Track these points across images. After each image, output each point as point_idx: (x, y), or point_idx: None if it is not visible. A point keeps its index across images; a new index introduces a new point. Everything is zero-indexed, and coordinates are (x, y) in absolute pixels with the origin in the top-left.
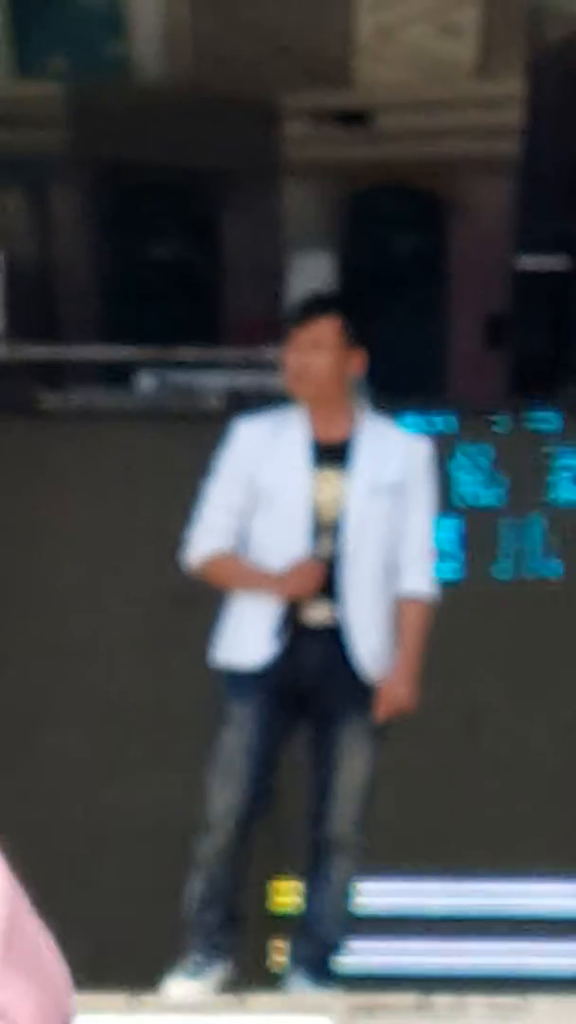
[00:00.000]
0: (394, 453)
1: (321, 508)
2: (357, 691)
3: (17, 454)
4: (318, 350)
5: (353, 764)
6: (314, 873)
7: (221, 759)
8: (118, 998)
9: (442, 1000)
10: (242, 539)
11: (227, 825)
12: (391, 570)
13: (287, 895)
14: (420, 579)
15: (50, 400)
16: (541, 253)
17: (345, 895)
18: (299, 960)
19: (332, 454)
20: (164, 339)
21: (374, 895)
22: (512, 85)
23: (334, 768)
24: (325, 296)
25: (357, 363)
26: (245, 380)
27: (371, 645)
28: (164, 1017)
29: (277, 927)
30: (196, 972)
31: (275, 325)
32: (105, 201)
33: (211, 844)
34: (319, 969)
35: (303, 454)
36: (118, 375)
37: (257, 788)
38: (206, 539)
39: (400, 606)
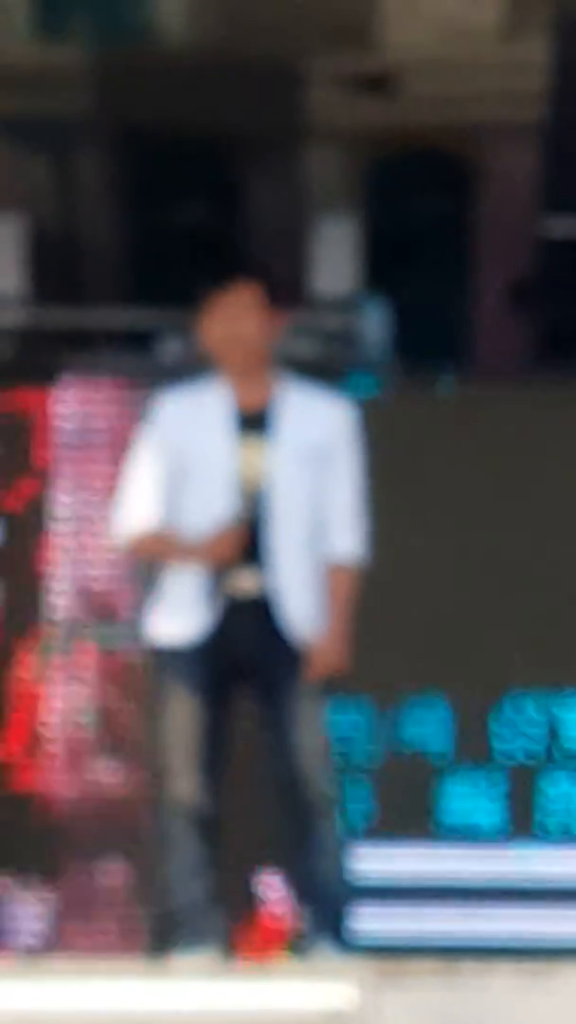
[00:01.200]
0: (316, 418)
1: (246, 476)
2: (291, 657)
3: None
4: (242, 316)
5: (303, 729)
6: (299, 838)
7: (171, 739)
8: (138, 963)
9: (467, 966)
10: (172, 512)
11: (193, 801)
12: (318, 535)
13: None
14: (347, 542)
15: (74, 364)
16: (567, 217)
17: (336, 855)
18: (313, 929)
19: (254, 421)
20: (188, 303)
21: (400, 861)
22: (537, 49)
23: (284, 736)
24: (241, 261)
25: (278, 328)
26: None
27: (301, 610)
28: (184, 983)
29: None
30: (192, 949)
31: (299, 290)
32: (129, 166)
33: (179, 823)
34: (335, 933)
35: (226, 423)
36: (143, 339)
37: (212, 763)
38: (134, 515)
39: (328, 570)
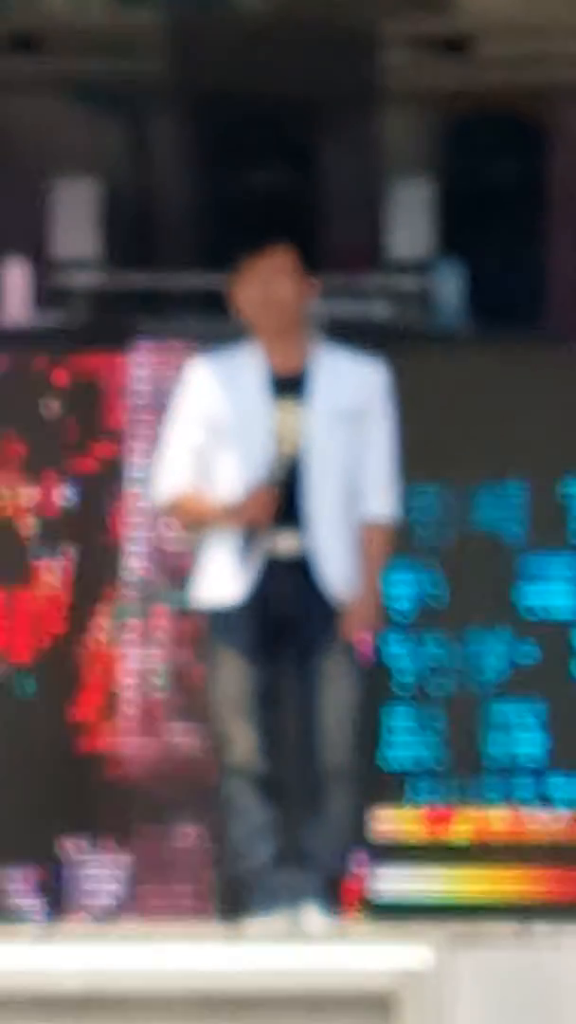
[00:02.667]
0: (350, 380)
1: (281, 438)
2: (329, 617)
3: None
4: (280, 279)
5: (336, 691)
6: (312, 804)
7: (223, 700)
8: (216, 926)
9: (541, 928)
10: (207, 476)
11: (253, 763)
12: (353, 496)
13: (387, 823)
14: (382, 503)
15: (149, 327)
16: None
17: (345, 825)
18: (307, 891)
19: (289, 385)
20: (255, 227)
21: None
22: None
23: (318, 697)
24: (283, 227)
25: (312, 292)
26: (343, 307)
27: (339, 571)
28: (262, 947)
29: (376, 856)
30: (263, 914)
31: (375, 253)
32: (203, 130)
33: (242, 786)
34: (327, 900)
35: (261, 386)
36: (218, 302)
37: (263, 722)
38: (170, 479)
39: (364, 531)
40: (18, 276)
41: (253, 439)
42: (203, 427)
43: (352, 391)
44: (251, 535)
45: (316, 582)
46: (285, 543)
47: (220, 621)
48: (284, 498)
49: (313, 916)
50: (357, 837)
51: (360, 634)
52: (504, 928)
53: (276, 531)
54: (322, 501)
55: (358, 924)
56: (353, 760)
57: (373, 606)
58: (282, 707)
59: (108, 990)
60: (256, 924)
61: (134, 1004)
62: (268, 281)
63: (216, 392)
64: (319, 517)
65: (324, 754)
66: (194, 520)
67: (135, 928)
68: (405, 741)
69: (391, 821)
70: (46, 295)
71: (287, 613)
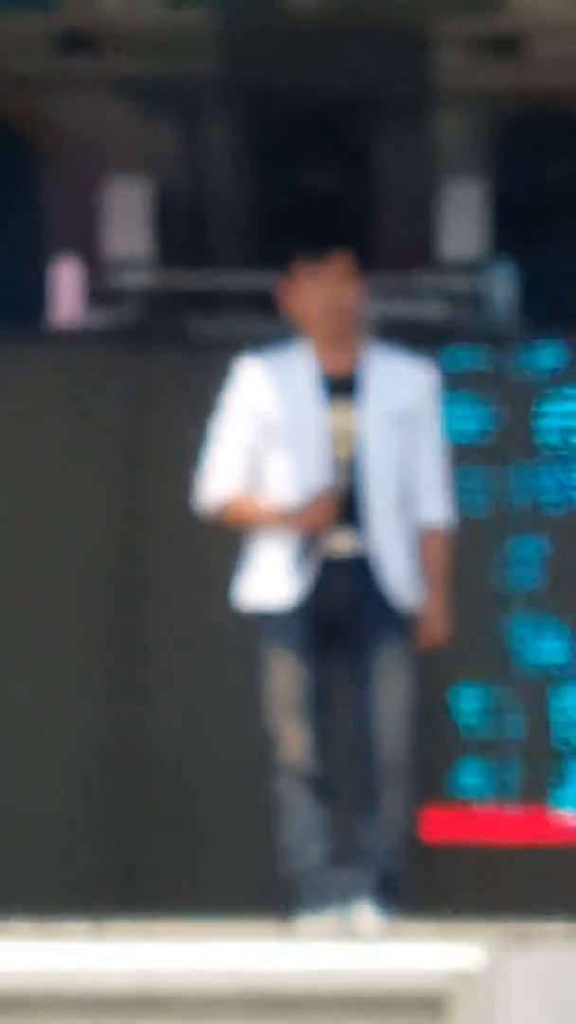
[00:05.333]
0: (402, 382)
1: (336, 441)
2: (387, 618)
3: (170, 381)
4: (340, 286)
5: (390, 691)
6: (366, 803)
7: (278, 701)
8: (268, 925)
9: None
10: (258, 478)
11: (305, 763)
12: (407, 499)
13: (438, 824)
14: (438, 508)
15: (203, 328)
16: None
17: (399, 824)
18: (362, 890)
19: (341, 386)
20: (319, 229)
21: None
22: None
23: (372, 697)
24: (336, 227)
25: (362, 293)
26: (397, 307)
27: (398, 571)
28: (314, 946)
29: (428, 856)
30: (316, 913)
31: (428, 253)
32: (256, 129)
33: (293, 787)
34: (383, 899)
35: (313, 388)
36: (271, 302)
37: (317, 722)
38: (220, 482)
39: (422, 537)
40: (70, 276)
41: (307, 441)
42: (254, 428)
43: (404, 393)
44: (311, 540)
45: (372, 582)
46: (340, 543)
47: (273, 623)
48: (341, 501)
49: (367, 915)
50: (412, 835)
51: (435, 644)
52: (557, 927)
53: (332, 531)
54: (380, 504)
55: (411, 923)
56: (408, 759)
57: (444, 616)
58: (337, 707)
59: (159, 989)
60: (309, 923)
61: (185, 1004)
62: (329, 288)
63: (267, 392)
64: (378, 520)
65: (380, 753)
66: (246, 523)
67: (187, 927)
68: None
69: (440, 821)
70: (98, 295)
71: (341, 613)
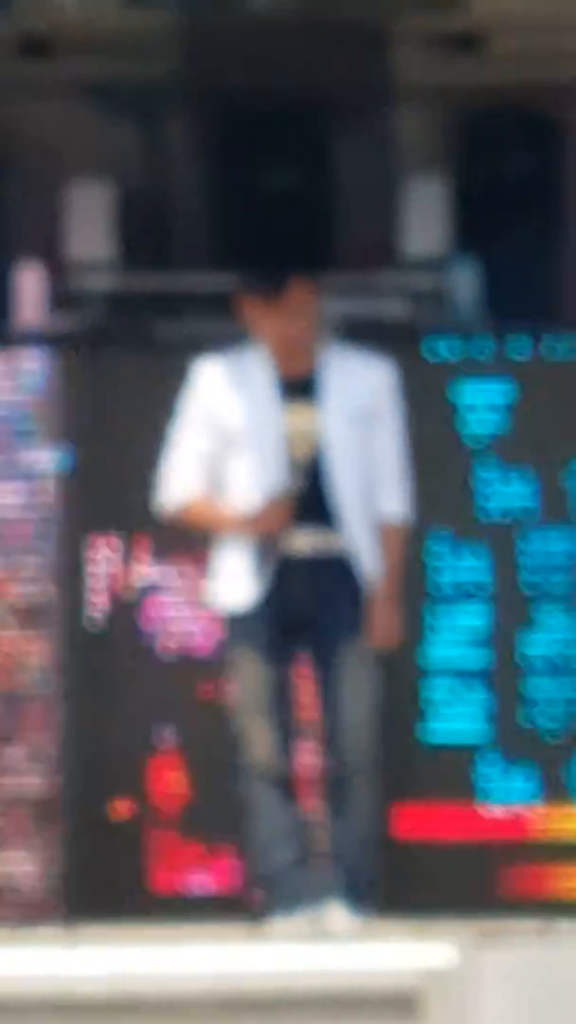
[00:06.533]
0: (360, 380)
1: (293, 443)
2: (353, 614)
3: (132, 384)
4: (297, 312)
5: (357, 688)
6: (334, 802)
7: (243, 701)
8: (238, 928)
9: (566, 926)
10: (217, 482)
11: (270, 763)
12: (368, 495)
13: (408, 821)
14: (396, 502)
15: (164, 330)
16: None
17: (367, 822)
18: (331, 889)
19: (298, 388)
20: (277, 267)
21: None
22: None
23: (339, 695)
24: (291, 252)
25: (320, 299)
26: (359, 306)
27: (371, 565)
28: (286, 947)
29: (400, 855)
30: (287, 915)
31: (390, 251)
32: (216, 130)
33: (262, 787)
34: (353, 898)
35: (270, 391)
36: (232, 304)
37: (284, 723)
38: (178, 484)
39: (381, 531)
40: (32, 279)
41: (264, 443)
42: (212, 431)
43: (363, 390)
44: (267, 543)
45: (335, 580)
46: (299, 543)
47: (237, 624)
48: (300, 498)
49: (339, 915)
50: (382, 833)
51: (387, 642)
52: (528, 926)
53: (292, 531)
54: (349, 501)
55: (383, 923)
56: (376, 756)
57: (395, 609)
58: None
59: (133, 993)
60: (281, 924)
61: (157, 1007)
62: (284, 321)
63: (224, 395)
64: (349, 515)
65: (347, 751)
66: (205, 526)
67: (160, 930)
68: None
69: (411, 819)
70: (61, 298)
71: (305, 612)
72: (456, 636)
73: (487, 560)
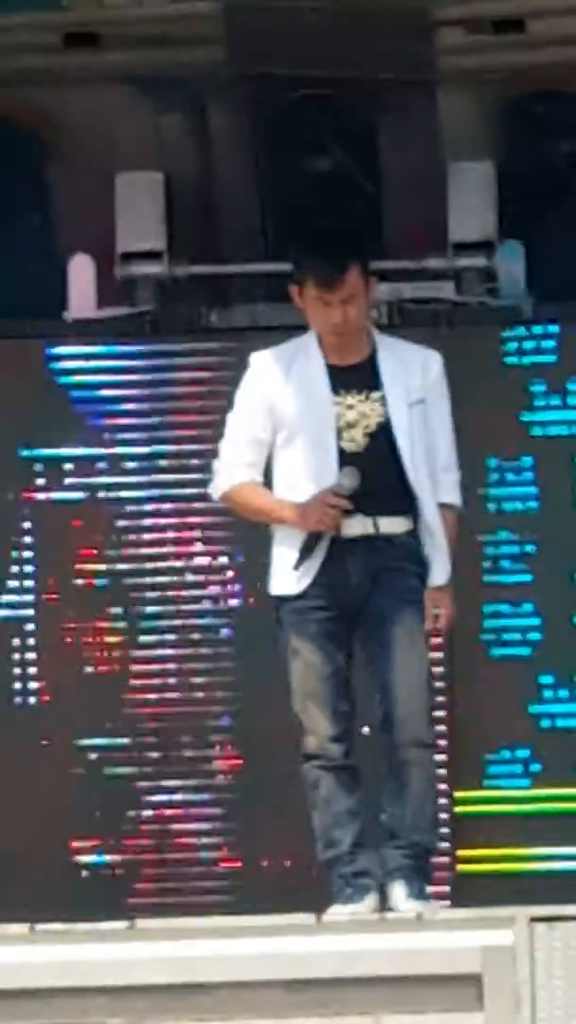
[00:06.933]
0: (414, 368)
1: (345, 432)
2: (406, 590)
3: (185, 371)
4: (351, 302)
5: (410, 662)
6: (392, 780)
7: (300, 688)
8: (303, 917)
9: None
10: (272, 468)
11: (330, 752)
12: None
13: (468, 803)
14: (451, 490)
15: (216, 317)
16: None
17: (425, 799)
18: (393, 870)
19: (352, 377)
20: (335, 254)
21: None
22: None
23: (393, 669)
24: (344, 243)
25: (372, 288)
26: (408, 290)
27: (443, 548)
28: (342, 936)
29: (460, 834)
30: (348, 900)
31: (437, 235)
32: (263, 117)
33: (320, 775)
34: (416, 879)
35: (323, 380)
36: (281, 290)
37: (341, 709)
38: (229, 471)
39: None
40: (85, 270)
41: (317, 434)
42: (265, 419)
43: (416, 379)
44: (315, 538)
45: (390, 564)
46: (355, 528)
47: (290, 610)
48: (350, 500)
49: (401, 896)
50: (427, 814)
51: (444, 623)
52: None
53: (346, 519)
54: (424, 483)
55: (441, 908)
56: (428, 735)
57: (450, 592)
58: (359, 691)
59: (201, 977)
60: (344, 910)
61: (222, 990)
62: (340, 307)
63: (278, 385)
64: (426, 499)
65: (400, 729)
66: (253, 514)
67: (221, 919)
68: None
69: (470, 801)
70: (113, 288)
71: (359, 597)
72: None
73: None
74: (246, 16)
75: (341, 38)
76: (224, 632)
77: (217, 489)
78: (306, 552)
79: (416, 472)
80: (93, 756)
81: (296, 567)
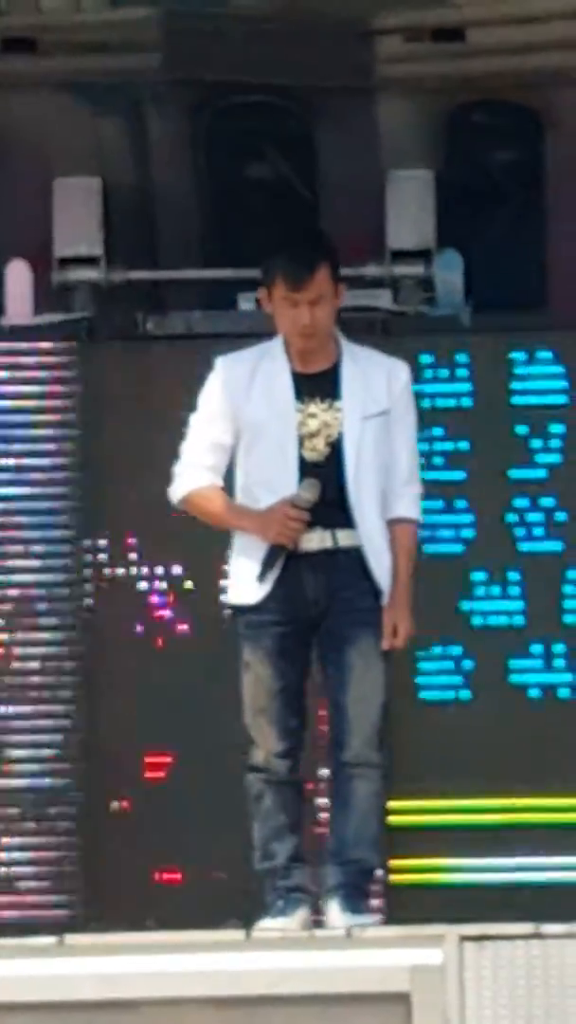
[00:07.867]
0: (378, 379)
1: (307, 440)
2: (364, 613)
3: (121, 378)
4: (320, 304)
5: (366, 687)
6: (337, 797)
7: (251, 704)
8: (234, 934)
9: (553, 929)
10: (229, 474)
11: (275, 767)
12: (384, 494)
13: (401, 815)
14: (410, 505)
15: (152, 324)
16: None
17: (370, 818)
18: (332, 888)
19: (316, 385)
20: (264, 260)
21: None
22: None
23: (347, 690)
24: (314, 246)
25: (341, 296)
26: (345, 299)
27: (384, 563)
28: (272, 953)
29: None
30: (280, 913)
31: (375, 243)
32: (201, 124)
33: (263, 788)
34: (353, 896)
35: (287, 387)
36: (219, 297)
37: (290, 726)
38: (189, 475)
39: (392, 530)
40: (21, 275)
41: (279, 440)
42: (227, 424)
43: (380, 390)
44: (278, 549)
45: (345, 578)
46: (314, 539)
47: (245, 621)
48: (308, 513)
49: (336, 913)
50: (370, 832)
51: (399, 641)
52: (516, 928)
53: (307, 529)
54: (366, 498)
55: (368, 929)
56: (378, 754)
57: (409, 609)
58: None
59: (128, 994)
60: (276, 923)
61: (149, 1007)
62: (308, 309)
63: (242, 390)
64: (366, 514)
65: (350, 747)
66: (211, 519)
67: (153, 936)
68: None
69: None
70: (49, 293)
71: (316, 609)
72: None
73: None
74: (184, 23)
75: (280, 45)
76: None
77: (176, 492)
78: (269, 563)
79: (357, 486)
80: None
81: (260, 578)
